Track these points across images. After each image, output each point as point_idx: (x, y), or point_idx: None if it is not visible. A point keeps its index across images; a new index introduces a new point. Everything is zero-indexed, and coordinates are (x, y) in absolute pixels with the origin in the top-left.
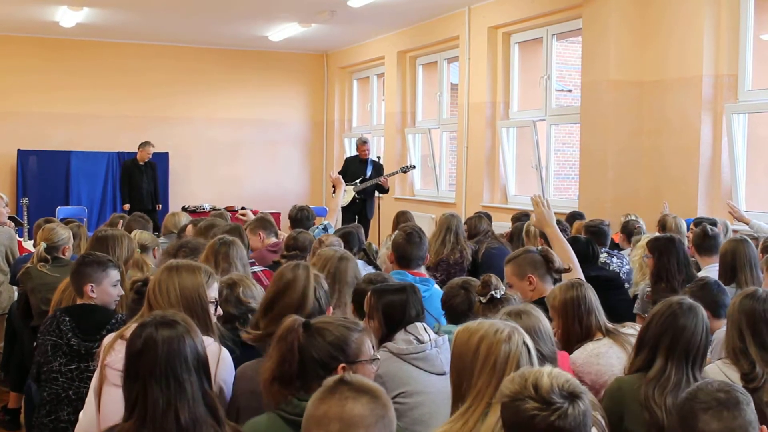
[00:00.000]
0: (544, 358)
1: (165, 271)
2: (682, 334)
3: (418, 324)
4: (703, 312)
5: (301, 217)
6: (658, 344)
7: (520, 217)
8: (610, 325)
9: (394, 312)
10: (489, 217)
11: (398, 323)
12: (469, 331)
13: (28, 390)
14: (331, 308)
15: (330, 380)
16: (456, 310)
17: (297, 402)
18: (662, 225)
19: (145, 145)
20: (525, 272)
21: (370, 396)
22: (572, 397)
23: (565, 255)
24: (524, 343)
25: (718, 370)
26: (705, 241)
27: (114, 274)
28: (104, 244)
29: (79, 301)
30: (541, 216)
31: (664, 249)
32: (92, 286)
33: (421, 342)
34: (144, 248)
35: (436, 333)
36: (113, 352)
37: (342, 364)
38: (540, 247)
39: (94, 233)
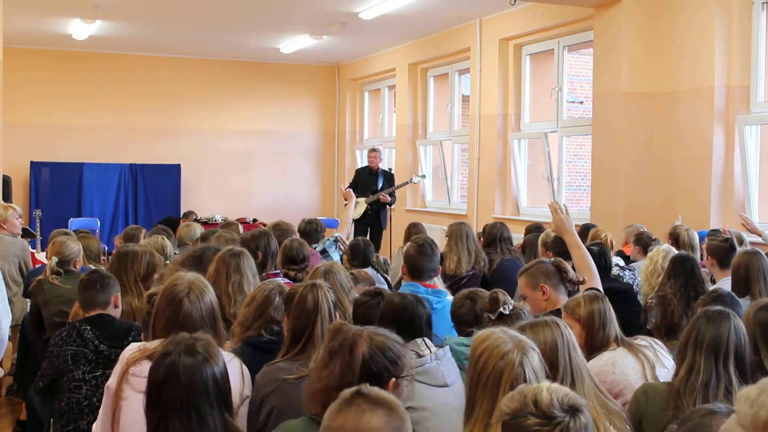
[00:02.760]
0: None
1: None
2: (707, 332)
3: (418, 340)
4: (733, 316)
5: (310, 230)
6: (687, 345)
7: (534, 228)
8: (626, 338)
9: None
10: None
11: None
12: (479, 339)
13: (30, 403)
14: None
15: (347, 392)
16: (462, 321)
17: None
18: (675, 238)
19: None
20: (538, 282)
21: (387, 408)
22: (573, 410)
23: (584, 262)
24: (520, 363)
25: None
26: (730, 255)
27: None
28: (123, 260)
29: (92, 313)
30: (560, 223)
31: (675, 264)
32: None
33: (420, 356)
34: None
35: (437, 345)
36: (139, 365)
37: (393, 379)
38: (553, 258)
39: (115, 250)
